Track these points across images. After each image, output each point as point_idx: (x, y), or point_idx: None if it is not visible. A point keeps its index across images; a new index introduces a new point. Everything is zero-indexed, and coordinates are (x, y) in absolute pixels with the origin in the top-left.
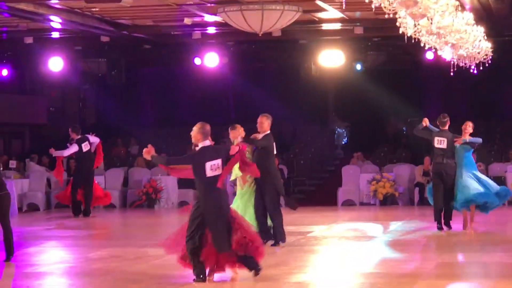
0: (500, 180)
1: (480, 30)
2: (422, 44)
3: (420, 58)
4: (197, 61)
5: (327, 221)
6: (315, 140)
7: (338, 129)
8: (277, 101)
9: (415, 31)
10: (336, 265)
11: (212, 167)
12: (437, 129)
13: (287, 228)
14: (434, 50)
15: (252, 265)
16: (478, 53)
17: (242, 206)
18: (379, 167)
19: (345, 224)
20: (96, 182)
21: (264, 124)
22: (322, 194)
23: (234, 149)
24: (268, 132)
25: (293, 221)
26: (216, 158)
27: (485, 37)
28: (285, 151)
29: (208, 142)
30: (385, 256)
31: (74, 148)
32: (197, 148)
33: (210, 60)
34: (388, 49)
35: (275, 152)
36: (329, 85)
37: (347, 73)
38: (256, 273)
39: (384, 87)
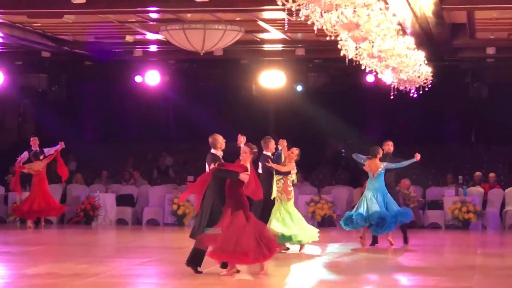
0: (437, 204)
1: (421, 55)
2: (363, 67)
3: (360, 81)
4: (138, 78)
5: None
6: (256, 159)
7: (278, 149)
8: (217, 120)
9: (356, 54)
10: (274, 285)
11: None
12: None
13: None
14: (375, 73)
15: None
16: (419, 77)
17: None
18: (317, 188)
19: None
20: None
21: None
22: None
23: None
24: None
25: None
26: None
27: (426, 62)
28: None
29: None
30: (323, 277)
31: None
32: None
33: (151, 78)
34: (329, 71)
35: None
36: (269, 105)
37: (288, 94)
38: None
39: (324, 109)
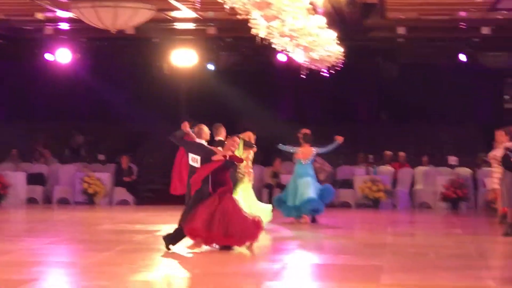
0: (347, 183)
1: (332, 34)
2: (274, 46)
3: (272, 60)
4: (49, 56)
5: (176, 220)
6: (165, 138)
7: (189, 129)
8: (129, 98)
9: (267, 33)
10: (184, 265)
11: (193, 159)
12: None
13: (134, 227)
14: (286, 52)
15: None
16: (330, 56)
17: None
18: None
19: None
20: None
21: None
22: (171, 194)
23: (217, 158)
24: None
25: (142, 220)
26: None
27: (337, 41)
28: (135, 149)
29: (203, 141)
30: (229, 256)
31: None
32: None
33: (62, 56)
34: (240, 50)
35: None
36: (181, 84)
37: (199, 73)
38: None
39: (236, 88)
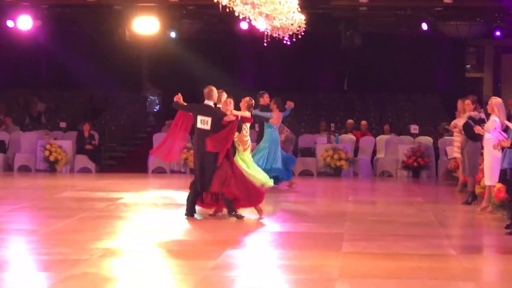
0: (309, 152)
1: (294, 2)
2: (236, 14)
3: (234, 28)
4: (9, 23)
5: (138, 188)
6: (127, 106)
7: (151, 96)
8: (90, 66)
9: (230, 1)
10: (145, 232)
11: (202, 121)
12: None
13: (96, 195)
14: (248, 20)
15: (231, 209)
16: (292, 24)
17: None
18: (190, 136)
19: (155, 191)
20: None
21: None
22: (133, 161)
23: (229, 118)
24: None
25: (103, 188)
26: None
27: (299, 9)
28: (97, 117)
29: (210, 103)
30: (194, 224)
31: None
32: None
33: (23, 22)
34: (203, 18)
35: None
36: (143, 52)
37: (162, 41)
38: (232, 215)
39: (198, 56)
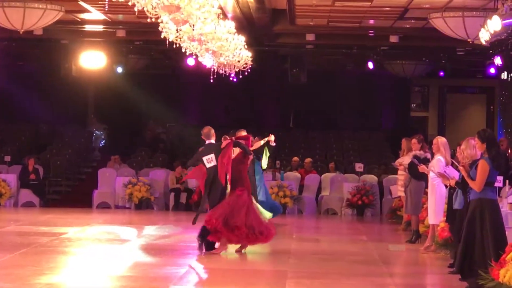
0: None
1: (241, 39)
2: (183, 50)
3: (181, 64)
4: None
5: (82, 223)
6: (73, 141)
7: (96, 131)
8: (36, 99)
9: (177, 37)
10: (89, 268)
11: (208, 160)
12: None
13: (40, 229)
14: (195, 56)
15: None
16: (238, 61)
17: None
18: (135, 171)
19: (100, 226)
20: None
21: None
22: (78, 196)
23: (224, 144)
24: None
25: (47, 222)
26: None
27: (246, 46)
28: (42, 151)
29: (212, 141)
30: (138, 259)
31: None
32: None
33: None
34: (149, 53)
35: None
36: (89, 86)
37: (108, 75)
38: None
39: (144, 91)
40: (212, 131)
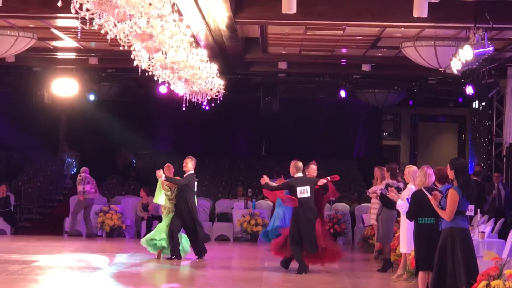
0: (226, 217)
1: (214, 67)
2: (156, 78)
3: (153, 92)
4: None
5: (53, 250)
6: (44, 168)
7: (68, 159)
8: (7, 127)
9: (149, 65)
10: None
11: (302, 191)
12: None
13: (10, 257)
14: (167, 84)
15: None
16: (211, 89)
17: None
18: (107, 198)
19: (71, 254)
20: None
21: (188, 164)
22: (49, 223)
23: (322, 181)
24: (192, 172)
25: (18, 250)
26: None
27: (218, 74)
28: (13, 178)
29: (300, 174)
30: (107, 286)
31: None
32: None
33: None
34: (122, 81)
35: (195, 189)
36: (61, 113)
37: (80, 103)
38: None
39: (116, 119)
40: (301, 164)
